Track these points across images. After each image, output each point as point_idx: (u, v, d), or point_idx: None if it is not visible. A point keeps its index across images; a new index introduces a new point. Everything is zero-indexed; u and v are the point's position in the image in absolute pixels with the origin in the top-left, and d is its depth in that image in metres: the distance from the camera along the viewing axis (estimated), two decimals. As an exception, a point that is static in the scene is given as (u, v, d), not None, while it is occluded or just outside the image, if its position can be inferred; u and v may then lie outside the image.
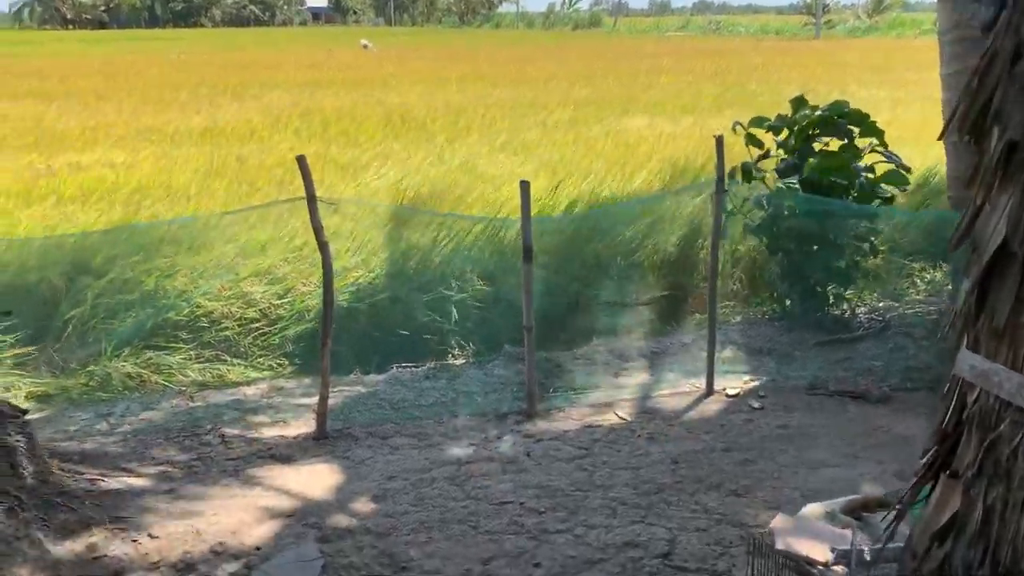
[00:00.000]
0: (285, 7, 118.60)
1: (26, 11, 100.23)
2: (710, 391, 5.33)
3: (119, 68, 27.34)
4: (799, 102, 6.09)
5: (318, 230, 4.53)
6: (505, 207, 8.02)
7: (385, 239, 6.90)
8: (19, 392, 5.49)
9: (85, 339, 6.22)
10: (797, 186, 5.73)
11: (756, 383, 5.47)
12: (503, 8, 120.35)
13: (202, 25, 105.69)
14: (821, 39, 58.82)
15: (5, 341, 5.79)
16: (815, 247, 5.92)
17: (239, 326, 6.51)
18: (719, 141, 5.00)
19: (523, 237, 4.65)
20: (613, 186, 8.95)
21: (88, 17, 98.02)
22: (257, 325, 6.50)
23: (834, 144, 6.13)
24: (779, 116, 6.12)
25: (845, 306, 6.31)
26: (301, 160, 4.45)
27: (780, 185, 5.89)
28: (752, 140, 6.16)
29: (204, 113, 15.68)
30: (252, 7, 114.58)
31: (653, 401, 5.25)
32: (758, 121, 6.13)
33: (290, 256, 7.06)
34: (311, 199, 4.47)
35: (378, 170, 10.49)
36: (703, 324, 6.40)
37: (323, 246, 4.57)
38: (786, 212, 5.86)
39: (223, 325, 6.49)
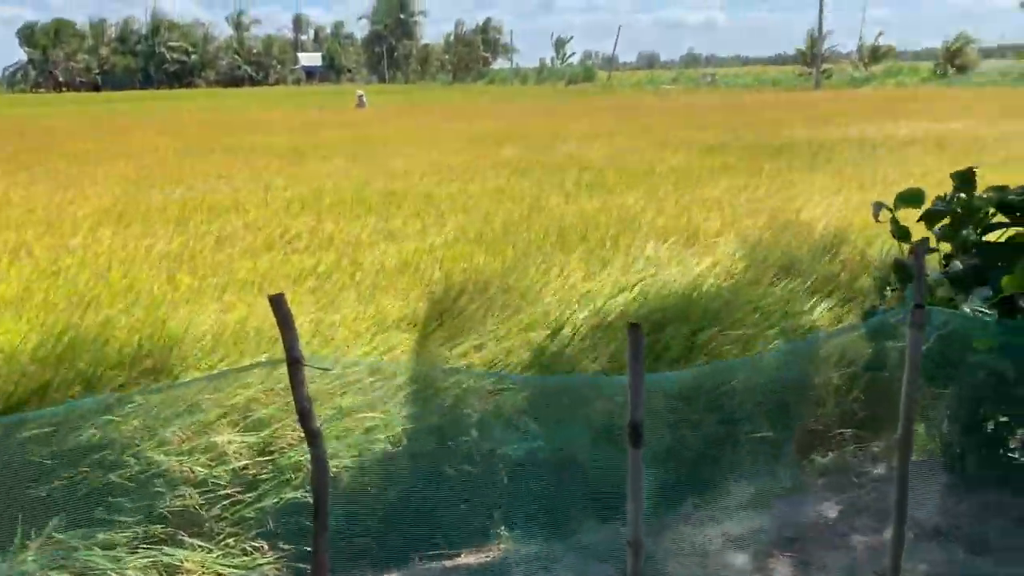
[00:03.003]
0: (279, 67, 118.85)
1: (19, 74, 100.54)
2: (895, 614, 3.60)
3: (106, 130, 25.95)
4: (964, 178, 4.44)
5: (304, 414, 2.80)
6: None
7: (407, 371, 5.17)
8: None
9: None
10: (988, 312, 4.01)
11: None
12: (495, 65, 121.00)
13: (196, 85, 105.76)
14: (822, 89, 58.17)
15: None
16: (1001, 384, 4.21)
17: (202, 492, 4.78)
18: (919, 249, 3.34)
19: (630, 410, 2.96)
20: (675, 273, 7.26)
21: (82, 80, 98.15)
22: (227, 491, 4.76)
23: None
24: (939, 198, 4.47)
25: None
26: (277, 303, 2.73)
27: (968, 306, 4.14)
28: (900, 229, 4.51)
29: (184, 184, 14.09)
30: (246, 67, 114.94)
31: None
32: (909, 199, 4.47)
33: (275, 386, 5.35)
34: (293, 363, 2.75)
35: (381, 248, 8.89)
36: (845, 484, 4.69)
37: (313, 436, 2.84)
38: (965, 340, 4.17)
39: (181, 492, 4.76)
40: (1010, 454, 4.39)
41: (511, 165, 15.54)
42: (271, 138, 22.87)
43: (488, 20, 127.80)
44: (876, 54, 74.70)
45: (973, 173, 4.38)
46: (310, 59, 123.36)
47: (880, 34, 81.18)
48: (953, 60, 65.42)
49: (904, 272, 4.27)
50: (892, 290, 4.47)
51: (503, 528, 4.33)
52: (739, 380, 4.24)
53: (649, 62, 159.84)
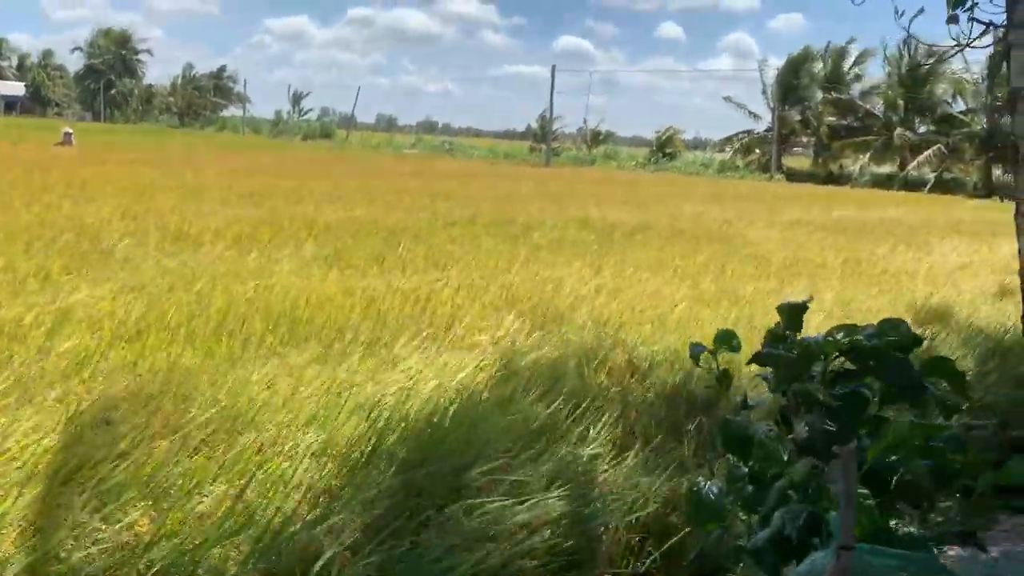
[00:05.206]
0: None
1: None
2: None
3: None
4: (795, 312, 3.52)
5: None
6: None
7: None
8: None
9: None
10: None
11: None
12: (227, 112, 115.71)
13: None
14: (551, 166, 61.03)
15: None
16: None
17: None
18: (846, 458, 2.23)
19: None
20: (426, 392, 5.97)
21: None
22: None
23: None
24: (772, 333, 3.53)
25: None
26: None
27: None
28: (724, 376, 3.54)
29: None
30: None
31: None
32: (725, 341, 3.49)
33: None
34: None
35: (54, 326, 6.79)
36: None
37: None
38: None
39: None
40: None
41: (236, 227, 13.63)
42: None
43: (223, 68, 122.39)
44: (597, 138, 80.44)
45: (805, 307, 3.50)
46: (11, 88, 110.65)
47: (600, 121, 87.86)
48: (664, 148, 71.87)
49: (741, 445, 3.27)
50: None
51: None
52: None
53: (388, 125, 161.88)
